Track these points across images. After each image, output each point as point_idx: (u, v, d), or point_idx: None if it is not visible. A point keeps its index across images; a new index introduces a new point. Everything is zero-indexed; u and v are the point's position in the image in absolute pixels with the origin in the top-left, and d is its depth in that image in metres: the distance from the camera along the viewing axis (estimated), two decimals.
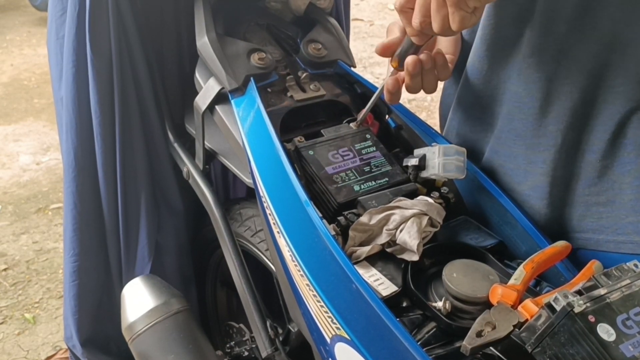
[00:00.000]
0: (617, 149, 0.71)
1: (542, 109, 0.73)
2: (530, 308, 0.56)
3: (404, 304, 0.68)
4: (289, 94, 0.92)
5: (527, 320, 0.55)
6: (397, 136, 0.91)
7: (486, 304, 0.62)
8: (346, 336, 0.64)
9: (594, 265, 0.64)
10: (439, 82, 0.82)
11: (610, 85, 0.70)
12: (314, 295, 0.69)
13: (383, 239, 0.71)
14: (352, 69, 0.99)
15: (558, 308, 0.51)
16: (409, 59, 0.75)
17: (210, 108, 0.95)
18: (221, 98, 0.93)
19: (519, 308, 0.57)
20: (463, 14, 0.61)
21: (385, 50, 0.77)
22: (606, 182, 0.73)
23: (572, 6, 0.68)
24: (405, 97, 2.78)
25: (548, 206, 0.77)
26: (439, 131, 0.87)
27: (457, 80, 0.89)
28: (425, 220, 0.71)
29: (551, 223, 0.77)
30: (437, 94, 0.85)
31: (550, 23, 0.70)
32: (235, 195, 1.34)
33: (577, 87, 0.71)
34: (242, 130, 0.86)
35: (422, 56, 0.76)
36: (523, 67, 0.73)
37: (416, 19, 0.66)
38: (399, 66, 0.77)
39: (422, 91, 0.80)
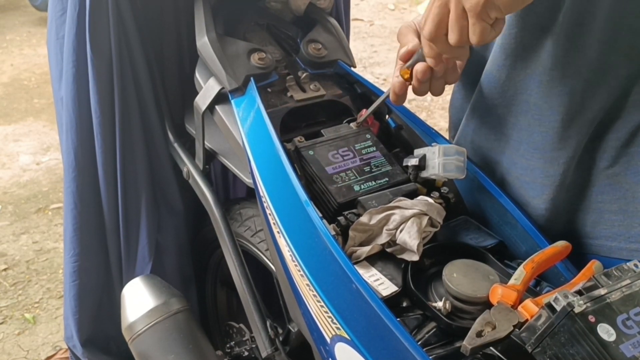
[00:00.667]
0: (630, 157, 0.71)
1: (564, 123, 0.71)
2: (530, 308, 0.56)
3: (404, 304, 0.68)
4: (289, 94, 0.92)
5: (527, 320, 0.55)
6: (397, 136, 0.91)
7: (486, 304, 0.62)
8: (346, 336, 0.64)
9: (594, 266, 0.64)
10: (447, 85, 0.81)
11: (626, 95, 0.69)
12: (314, 295, 0.69)
13: (383, 239, 0.71)
14: (352, 69, 0.99)
15: (558, 308, 0.51)
16: (419, 66, 0.74)
17: (210, 108, 0.95)
18: (221, 98, 0.93)
19: (519, 308, 0.57)
20: (484, 25, 0.60)
21: (408, 57, 0.77)
22: (618, 190, 0.72)
23: (600, 20, 0.66)
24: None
25: (563, 216, 0.76)
26: (440, 132, 0.87)
27: (466, 84, 0.87)
28: (425, 220, 0.71)
29: (565, 230, 0.77)
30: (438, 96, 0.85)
31: (575, 36, 0.68)
32: (235, 195, 1.34)
33: (599, 99, 0.70)
34: (242, 130, 0.86)
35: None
36: (544, 80, 0.71)
37: (427, 29, 0.64)
38: (410, 78, 0.77)
39: None
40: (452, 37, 0.63)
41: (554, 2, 0.68)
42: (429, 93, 0.79)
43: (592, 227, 0.76)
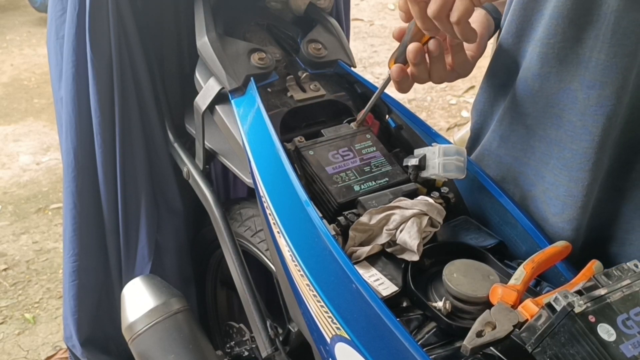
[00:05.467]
0: None
1: (596, 145, 0.69)
2: (530, 308, 0.56)
3: (404, 304, 0.68)
4: (289, 94, 0.92)
5: (527, 320, 0.55)
6: (397, 136, 0.91)
7: (486, 304, 0.62)
8: (346, 336, 0.64)
9: (594, 266, 0.64)
10: (459, 77, 0.79)
11: None
12: (314, 295, 0.69)
13: (383, 239, 0.71)
14: (352, 69, 0.99)
15: (558, 308, 0.51)
16: (410, 47, 0.72)
17: (210, 108, 0.95)
18: (221, 98, 0.93)
19: (519, 308, 0.57)
20: (469, 5, 0.60)
21: (401, 35, 0.75)
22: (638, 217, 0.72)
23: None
24: (405, 97, 2.78)
25: (582, 237, 0.75)
26: (440, 132, 0.87)
27: (492, 87, 0.85)
28: (425, 220, 0.71)
29: (583, 249, 0.76)
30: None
31: (617, 57, 0.65)
32: (236, 195, 1.34)
33: (633, 123, 0.69)
34: (242, 130, 0.86)
35: (429, 44, 0.73)
36: (581, 97, 0.69)
37: (433, 6, 0.63)
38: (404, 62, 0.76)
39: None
40: (432, 7, 0.63)
41: (596, 16, 0.66)
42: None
43: (617, 248, 0.75)
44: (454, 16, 0.62)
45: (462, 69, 0.79)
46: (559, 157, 0.73)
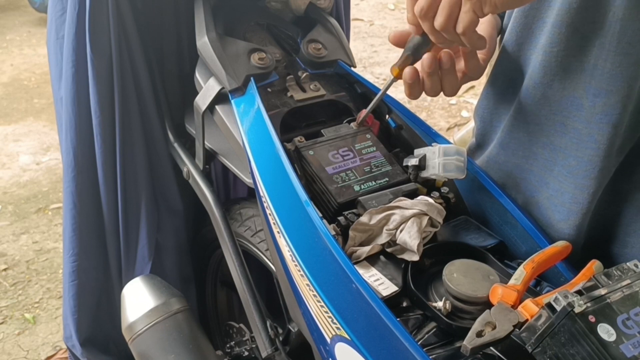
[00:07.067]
0: None
1: (602, 153, 0.69)
2: (530, 308, 0.56)
3: (404, 304, 0.68)
4: (289, 94, 0.92)
5: (527, 320, 0.55)
6: (397, 136, 0.91)
7: (486, 304, 0.62)
8: (346, 336, 0.64)
9: (594, 265, 0.64)
10: (471, 80, 0.79)
11: None
12: (314, 295, 0.69)
13: (383, 239, 0.71)
14: (352, 68, 0.99)
15: (558, 308, 0.51)
16: (426, 57, 0.72)
17: (210, 108, 0.95)
18: (221, 98, 0.93)
19: (519, 308, 0.57)
20: (474, 17, 0.61)
21: (398, 39, 0.75)
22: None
23: None
24: (405, 97, 2.77)
25: (583, 240, 0.75)
26: (440, 132, 0.87)
27: (494, 94, 0.84)
28: (425, 220, 0.71)
29: (585, 251, 0.76)
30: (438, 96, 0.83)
31: (622, 66, 0.65)
32: (236, 195, 1.34)
33: (637, 128, 0.69)
34: (242, 130, 0.86)
35: (442, 56, 0.73)
36: (586, 105, 0.69)
37: (420, 4, 0.64)
38: (400, 75, 0.76)
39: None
40: (438, 20, 0.63)
41: (600, 24, 0.66)
42: (449, 96, 0.77)
43: (618, 249, 0.75)
44: (459, 28, 0.63)
45: (475, 73, 0.79)
46: (564, 164, 0.73)
